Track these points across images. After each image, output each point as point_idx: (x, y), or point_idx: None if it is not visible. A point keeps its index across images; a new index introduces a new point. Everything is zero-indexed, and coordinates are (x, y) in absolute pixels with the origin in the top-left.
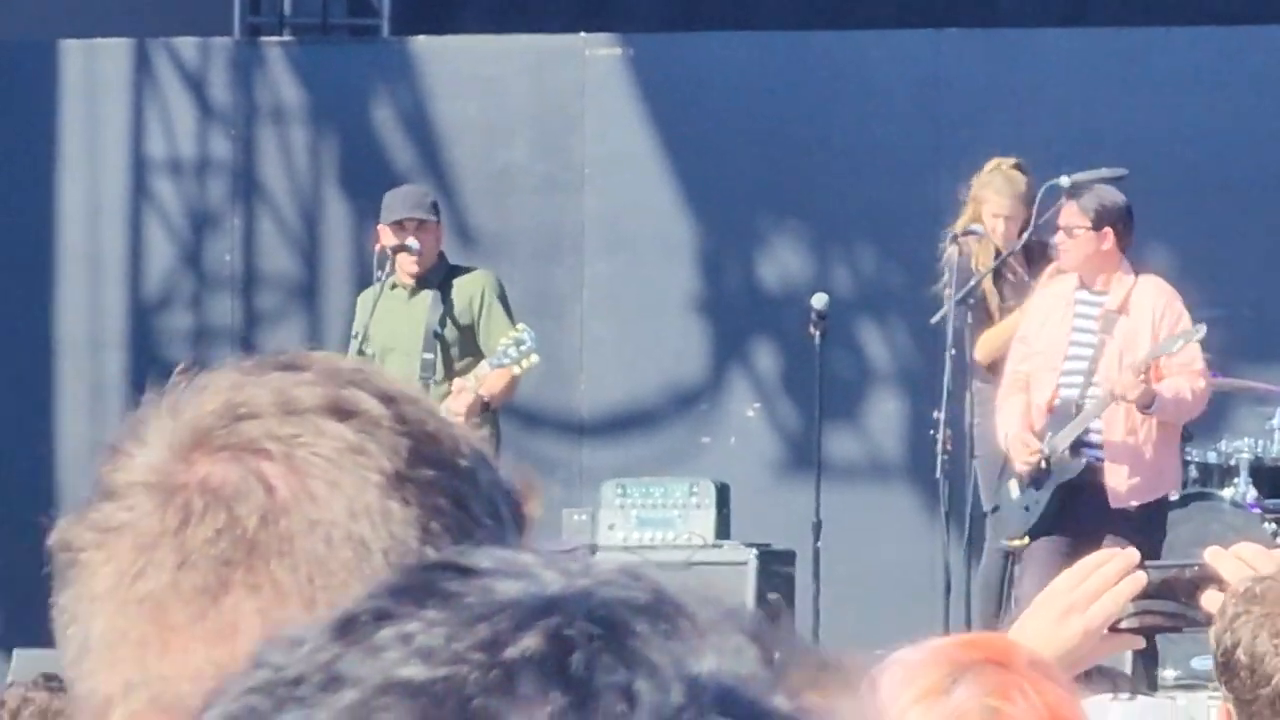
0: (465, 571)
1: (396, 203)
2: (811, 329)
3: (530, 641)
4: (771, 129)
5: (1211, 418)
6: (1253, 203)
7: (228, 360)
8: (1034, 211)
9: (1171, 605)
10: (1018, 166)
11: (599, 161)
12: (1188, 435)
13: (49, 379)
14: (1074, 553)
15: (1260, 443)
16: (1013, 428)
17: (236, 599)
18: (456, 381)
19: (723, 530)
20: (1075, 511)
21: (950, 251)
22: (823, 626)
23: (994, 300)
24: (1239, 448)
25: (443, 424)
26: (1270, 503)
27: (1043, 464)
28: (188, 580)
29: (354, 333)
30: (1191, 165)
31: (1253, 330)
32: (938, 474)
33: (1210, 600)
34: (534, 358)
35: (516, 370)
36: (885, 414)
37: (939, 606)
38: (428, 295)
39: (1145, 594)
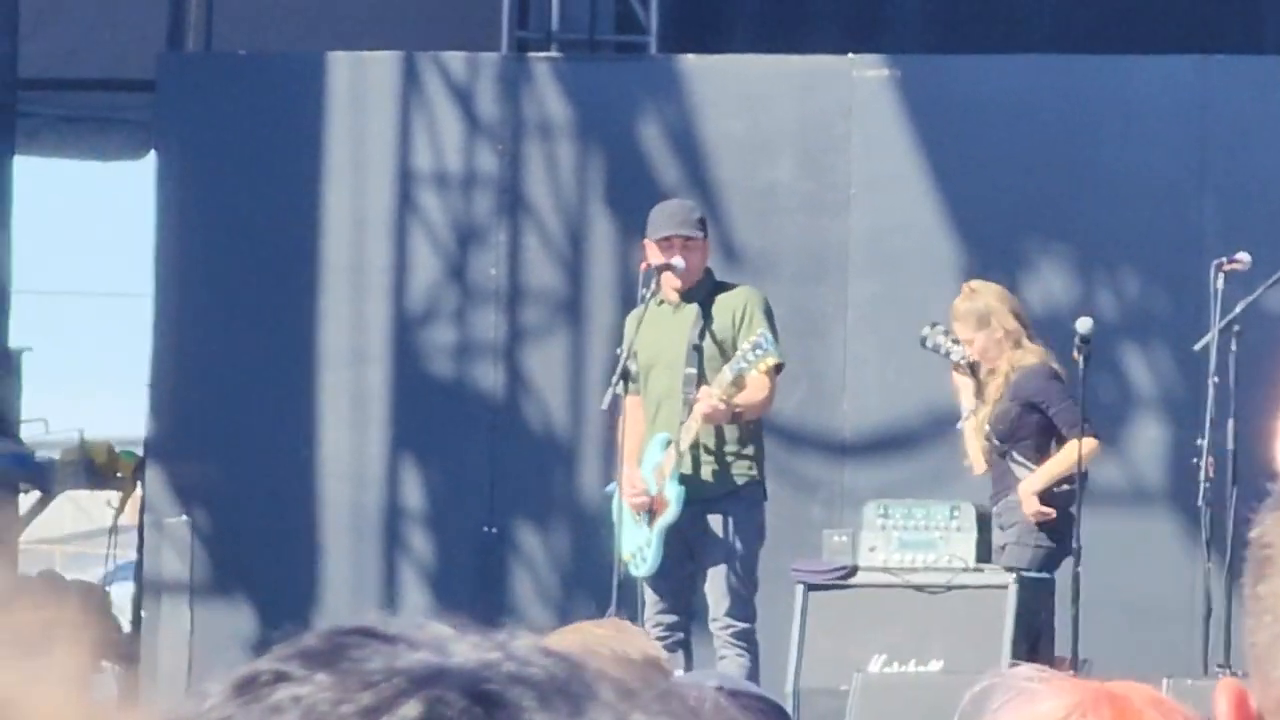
0: (372, 636)
1: (663, 219)
2: (1075, 353)
3: (408, 711)
4: (1036, 151)
5: None
6: None
7: None
8: None
9: None
10: None
11: (864, 182)
12: None
13: (312, 392)
14: None
15: None
16: None
17: None
18: (701, 390)
19: (983, 554)
20: None
21: (1216, 280)
22: (1081, 653)
23: None
24: None
25: None
26: None
27: None
28: None
29: (618, 350)
30: None
31: None
32: (1199, 501)
33: None
34: (771, 360)
35: (754, 373)
36: (1148, 440)
37: (1199, 635)
38: (692, 310)
39: None
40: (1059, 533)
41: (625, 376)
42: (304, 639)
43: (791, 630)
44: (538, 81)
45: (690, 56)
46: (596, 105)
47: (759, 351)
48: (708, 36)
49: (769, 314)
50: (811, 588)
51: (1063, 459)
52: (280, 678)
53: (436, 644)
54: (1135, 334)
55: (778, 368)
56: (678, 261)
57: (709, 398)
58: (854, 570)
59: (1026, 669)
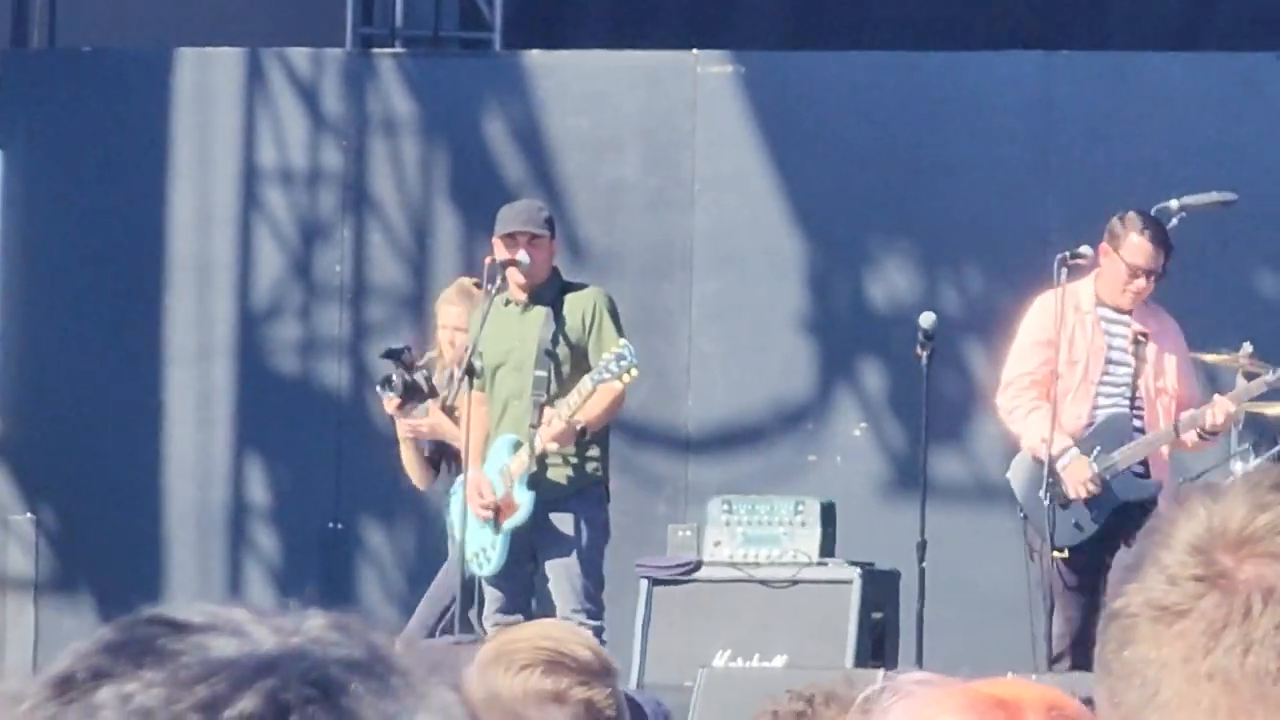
0: (178, 628)
1: (510, 216)
2: (919, 349)
3: (248, 703)
4: (882, 149)
5: None
6: None
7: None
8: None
9: None
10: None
11: (709, 178)
12: None
13: (157, 389)
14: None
15: None
16: (1063, 443)
17: None
18: (546, 412)
19: (827, 549)
20: (1129, 532)
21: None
22: (926, 647)
23: None
24: None
25: None
26: None
27: (1102, 482)
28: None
29: (466, 346)
30: None
31: None
32: (1042, 493)
33: None
34: (634, 372)
35: (618, 385)
36: (991, 435)
37: (1041, 630)
38: (541, 312)
39: None
40: None
41: (470, 373)
42: (103, 633)
43: (635, 626)
44: (382, 78)
45: (535, 52)
46: (441, 101)
47: (622, 363)
48: (552, 33)
49: (614, 314)
50: (656, 583)
51: None
52: (99, 675)
53: (241, 629)
54: (979, 329)
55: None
56: (522, 257)
57: (557, 420)
58: (698, 565)
59: (916, 674)
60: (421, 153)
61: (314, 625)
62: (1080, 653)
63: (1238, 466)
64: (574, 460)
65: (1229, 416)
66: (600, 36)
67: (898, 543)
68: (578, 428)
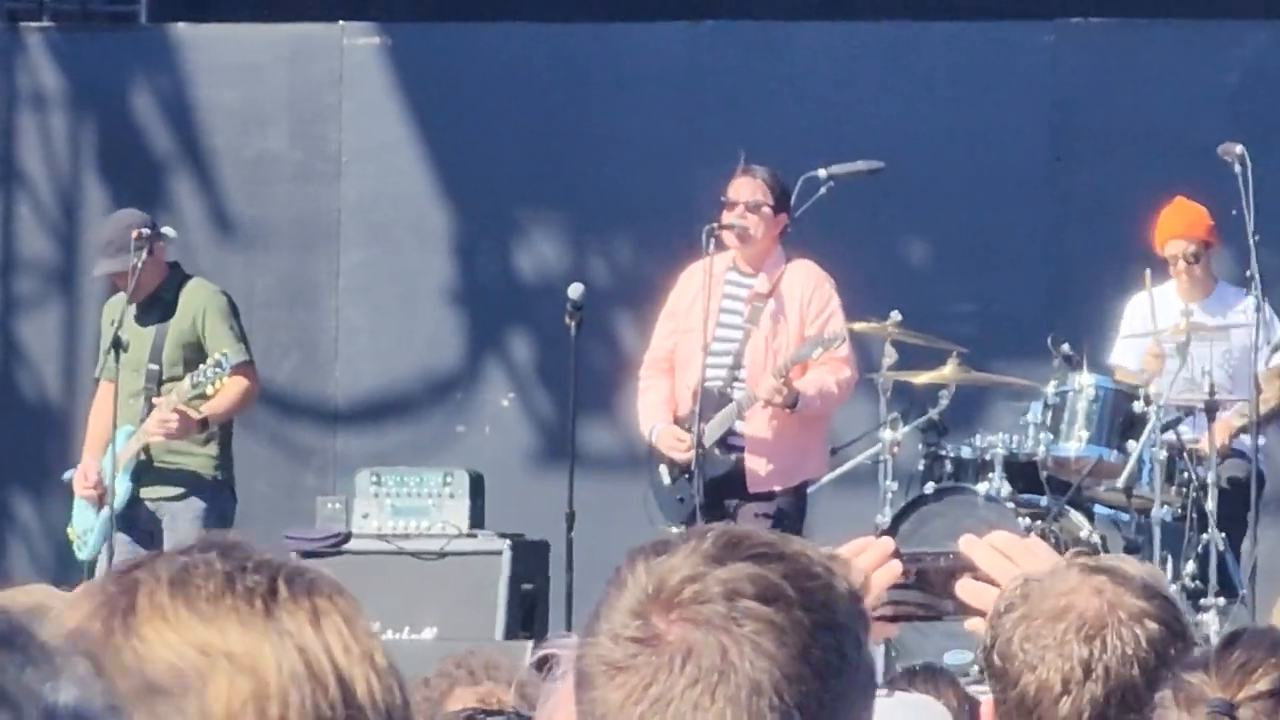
0: None
1: (98, 254)
2: (567, 319)
3: None
4: (529, 120)
5: (966, 412)
6: (1008, 199)
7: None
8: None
9: (925, 595)
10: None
11: (356, 150)
12: (942, 429)
13: None
14: None
15: (1014, 438)
16: (659, 420)
17: None
18: (157, 400)
19: (477, 520)
20: (724, 504)
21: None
22: (575, 617)
23: None
24: (993, 443)
25: None
26: (1024, 497)
27: (696, 455)
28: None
29: (112, 343)
30: (948, 160)
31: (1008, 325)
32: (693, 465)
33: (965, 589)
34: (224, 380)
35: (210, 390)
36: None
37: None
38: (157, 308)
39: (898, 584)
40: None
41: (114, 351)
42: None
43: None
44: (30, 52)
45: (181, 26)
46: (89, 75)
47: (218, 370)
48: (199, 6)
49: (227, 314)
50: (305, 555)
51: None
52: None
53: None
54: (628, 299)
55: (245, 365)
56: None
57: (162, 408)
58: (347, 537)
59: (570, 639)
60: (70, 127)
61: None
62: None
63: (886, 435)
64: (191, 454)
65: (772, 388)
66: (246, 10)
67: (547, 513)
68: (196, 419)
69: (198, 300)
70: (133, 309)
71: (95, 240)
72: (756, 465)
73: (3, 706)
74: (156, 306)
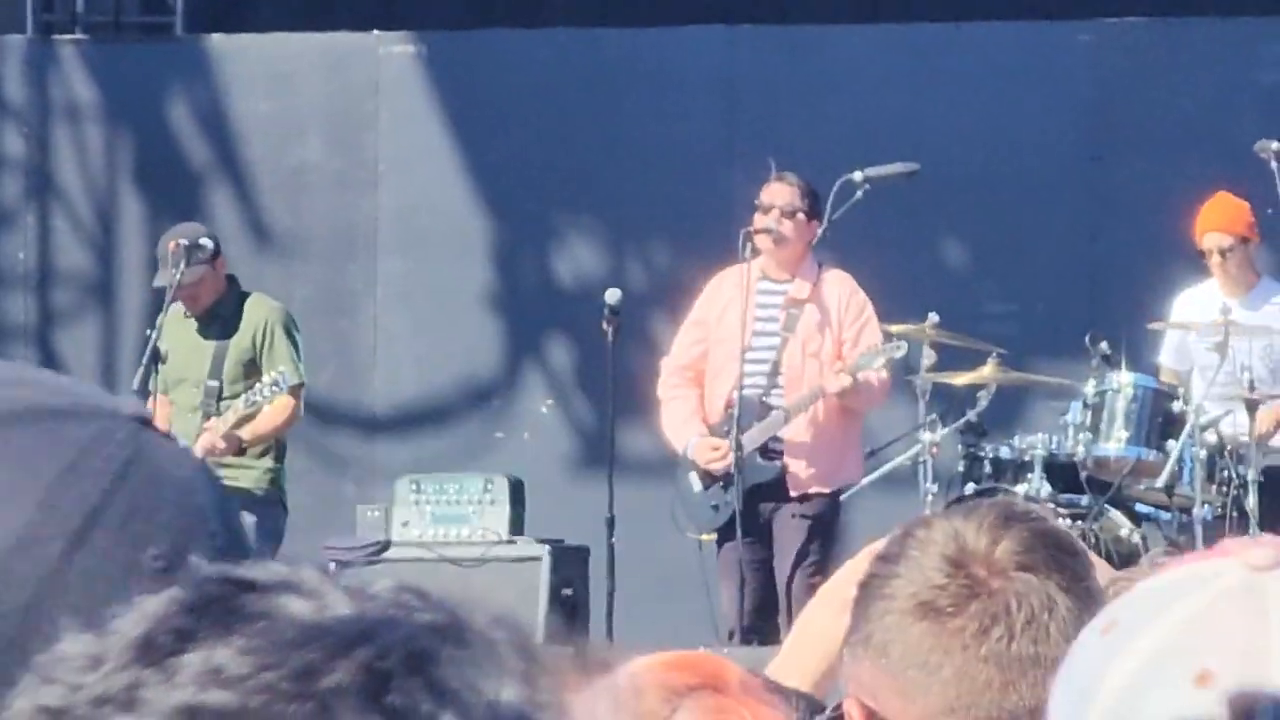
0: (254, 587)
1: (162, 264)
2: (604, 325)
3: (344, 674)
4: (565, 126)
5: (1005, 413)
6: (1045, 199)
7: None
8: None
9: None
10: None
11: (393, 159)
12: (982, 430)
13: None
14: (766, 554)
15: (1054, 438)
16: (692, 432)
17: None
18: (210, 421)
19: (516, 526)
20: (764, 512)
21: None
22: (616, 623)
23: None
24: (1033, 443)
25: None
26: (1064, 497)
27: (735, 459)
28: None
29: (160, 356)
30: (983, 161)
31: (1046, 326)
32: (732, 469)
33: None
34: (283, 398)
35: (268, 408)
36: None
37: (720, 605)
38: (216, 324)
39: None
40: None
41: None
42: (174, 593)
43: None
44: (64, 64)
45: (216, 37)
46: (124, 87)
47: (275, 389)
48: (233, 17)
49: (288, 329)
50: (344, 565)
51: None
52: (182, 638)
53: (312, 591)
54: (665, 304)
55: (297, 388)
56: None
57: (211, 432)
58: (387, 545)
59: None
60: (105, 139)
61: (385, 589)
62: (760, 625)
63: (925, 436)
64: (245, 468)
65: (843, 386)
66: (281, 20)
67: (586, 519)
68: (237, 442)
69: (259, 314)
70: (182, 320)
71: (159, 251)
72: (797, 468)
73: (451, 705)
74: (215, 322)
